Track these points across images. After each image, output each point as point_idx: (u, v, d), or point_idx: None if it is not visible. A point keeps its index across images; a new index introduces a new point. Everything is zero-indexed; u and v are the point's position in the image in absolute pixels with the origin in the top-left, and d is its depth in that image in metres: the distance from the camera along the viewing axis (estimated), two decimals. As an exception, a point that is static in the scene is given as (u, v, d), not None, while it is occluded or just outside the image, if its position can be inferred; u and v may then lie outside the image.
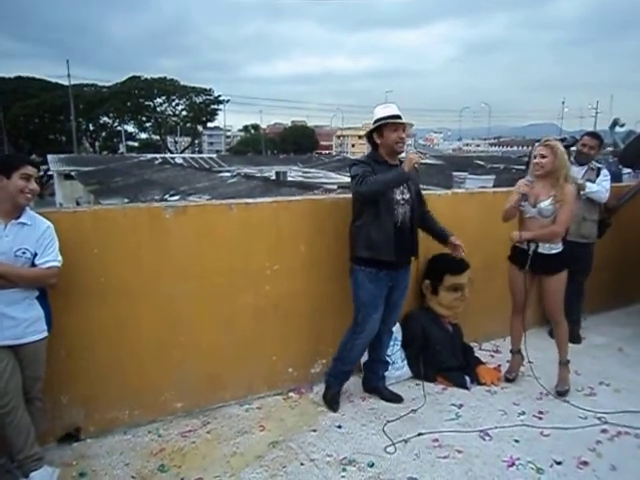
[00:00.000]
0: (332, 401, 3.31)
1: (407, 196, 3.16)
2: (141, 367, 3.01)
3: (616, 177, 5.58)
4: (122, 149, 49.22)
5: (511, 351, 3.82)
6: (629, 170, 7.21)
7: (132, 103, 47.48)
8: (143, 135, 54.66)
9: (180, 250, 3.03)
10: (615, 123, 6.19)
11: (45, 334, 2.46)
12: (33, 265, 2.36)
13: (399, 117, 3.11)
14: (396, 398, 3.42)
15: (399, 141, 3.11)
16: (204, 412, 3.19)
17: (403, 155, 3.20)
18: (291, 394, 3.46)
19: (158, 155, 29.92)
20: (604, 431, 3.10)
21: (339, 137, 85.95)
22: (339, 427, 3.10)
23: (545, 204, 3.35)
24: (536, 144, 3.53)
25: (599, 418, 3.24)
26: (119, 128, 49.53)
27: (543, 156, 3.33)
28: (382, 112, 3.13)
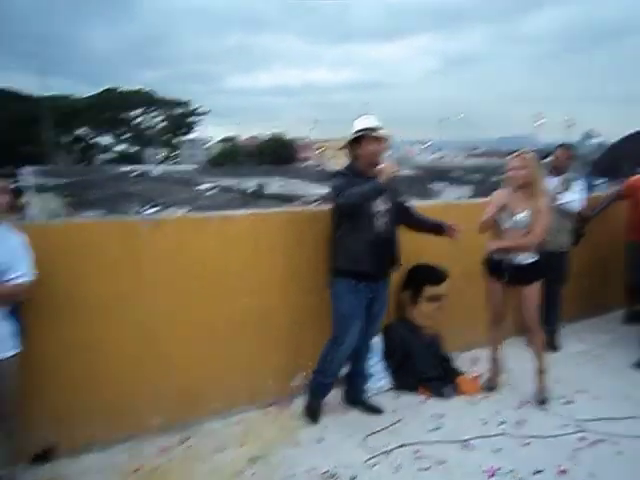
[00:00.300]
0: (313, 414, 3.29)
1: (387, 207, 3.16)
2: (117, 383, 2.94)
3: (589, 187, 5.69)
4: (98, 161, 48.61)
5: (490, 361, 3.84)
6: (602, 180, 7.37)
7: (108, 115, 47.09)
8: (120, 147, 54.13)
9: (156, 264, 2.98)
10: (588, 135, 6.35)
11: (17, 350, 2.39)
12: (5, 280, 2.30)
13: (378, 129, 3.12)
14: (377, 410, 3.40)
15: (377, 153, 3.11)
16: (182, 428, 3.12)
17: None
18: (271, 408, 3.42)
19: (135, 167, 29.61)
20: (583, 439, 3.12)
21: (318, 149, 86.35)
22: (320, 441, 3.07)
23: (521, 215, 3.39)
24: (514, 154, 3.56)
25: (578, 426, 3.26)
26: (95, 140, 48.99)
27: (519, 168, 3.38)
28: (361, 123, 3.15)
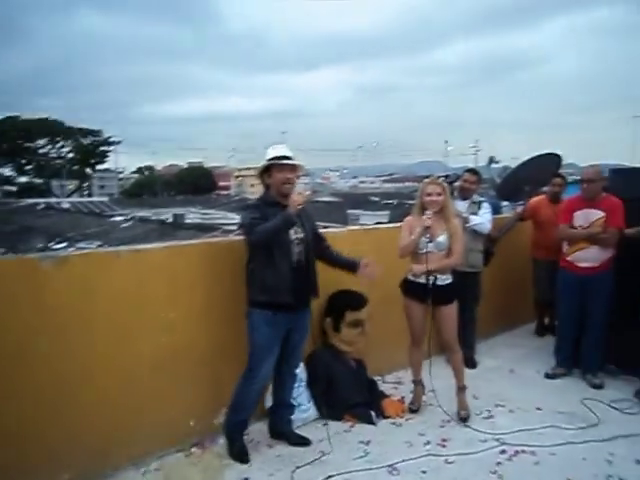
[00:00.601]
0: (240, 454, 3.14)
1: (302, 235, 3.14)
2: (18, 437, 2.65)
3: (496, 209, 6.03)
4: (-1, 194, 45.18)
5: (413, 382, 3.90)
6: (506, 203, 7.87)
7: (8, 145, 44.24)
8: (23, 179, 50.74)
9: (62, 304, 2.76)
10: (491, 160, 6.76)
11: None
12: None
13: (287, 158, 3.11)
14: (304, 442, 3.32)
15: (285, 182, 3.08)
16: (95, 482, 2.88)
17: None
18: (194, 449, 3.24)
19: (41, 200, 27.83)
20: (503, 452, 3.22)
21: (237, 177, 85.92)
22: (246, 480, 2.94)
23: (442, 238, 3.51)
24: (426, 180, 3.69)
25: (498, 439, 3.36)
26: (-6, 171, 45.68)
27: (439, 194, 3.51)
28: (271, 153, 3.14)
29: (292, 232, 3.09)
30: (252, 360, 3.13)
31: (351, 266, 3.37)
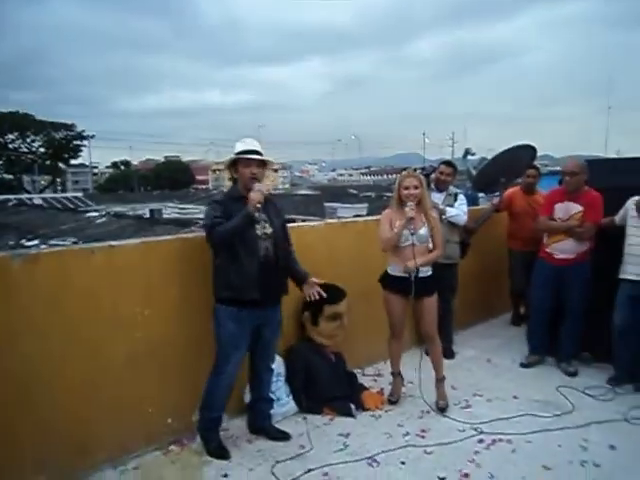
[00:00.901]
0: (218, 451, 3.11)
1: (269, 230, 3.10)
2: (-9, 439, 2.60)
3: (473, 201, 6.09)
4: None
5: (392, 374, 3.92)
6: (482, 194, 7.95)
7: (-24, 140, 43.04)
8: (-8, 174, 49.36)
9: (35, 303, 2.70)
10: (467, 152, 6.79)
11: None
12: None
13: (254, 152, 3.07)
14: (283, 436, 3.31)
15: (251, 176, 3.04)
16: (71, 482, 2.83)
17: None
18: (172, 447, 3.21)
19: (12, 196, 27.16)
20: (481, 441, 3.27)
21: (215, 171, 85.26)
22: (225, 476, 2.92)
23: (423, 230, 3.52)
24: (403, 173, 3.69)
25: (475, 429, 3.41)
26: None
27: (416, 187, 3.51)
28: (239, 146, 3.09)
29: (259, 227, 3.05)
30: (219, 357, 3.10)
31: (299, 278, 3.34)
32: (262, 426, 3.36)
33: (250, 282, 2.99)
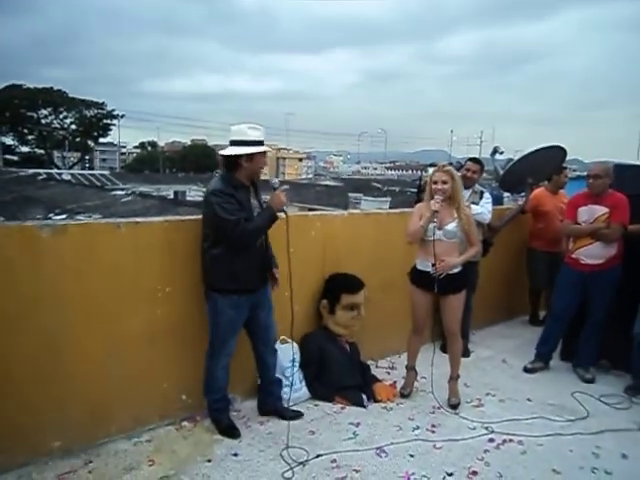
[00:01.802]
0: (229, 430, 3.16)
1: None
2: (13, 403, 2.68)
3: (498, 200, 6.03)
4: (-1, 162, 44.78)
5: (406, 367, 3.92)
6: (508, 194, 7.84)
7: (11, 113, 43.82)
8: (25, 148, 50.37)
9: (61, 273, 2.76)
10: (495, 151, 6.67)
11: None
12: None
13: (256, 142, 3.00)
14: (297, 415, 3.36)
15: (263, 167, 3.09)
16: (86, 450, 2.90)
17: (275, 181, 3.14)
18: (185, 423, 3.27)
19: (42, 170, 27.68)
20: (491, 440, 3.26)
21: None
22: (235, 455, 2.97)
23: (451, 226, 3.48)
24: (429, 169, 3.67)
25: (486, 428, 3.40)
26: (-6, 139, 45.16)
27: (445, 182, 3.46)
28: (251, 134, 2.98)
29: (255, 214, 3.02)
30: (215, 342, 3.11)
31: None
32: (274, 408, 3.40)
33: (254, 272, 3.05)
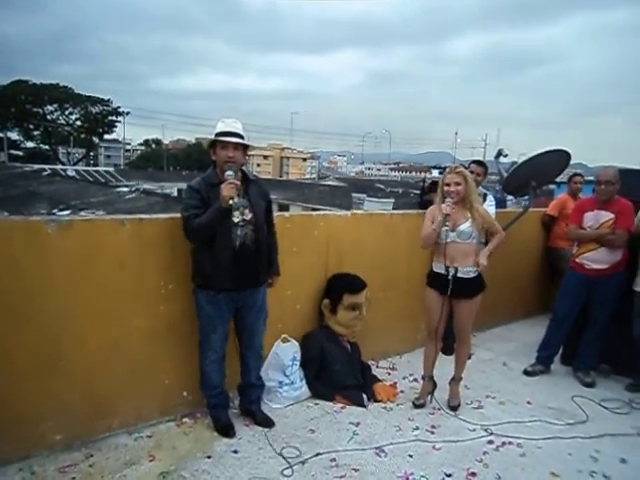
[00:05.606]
0: (225, 429, 3.16)
1: (249, 217, 2.98)
2: (15, 395, 2.70)
3: (501, 203, 6.09)
4: (3, 157, 44.89)
5: (422, 377, 3.80)
6: (511, 197, 7.85)
7: (17, 109, 43.97)
8: (30, 144, 50.55)
9: (65, 268, 2.78)
10: (499, 153, 6.66)
11: None
12: None
13: (234, 135, 2.91)
14: (267, 422, 3.28)
15: (227, 160, 2.88)
16: (87, 444, 2.93)
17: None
18: (185, 419, 3.29)
19: (47, 166, 27.76)
20: (490, 442, 3.26)
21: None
22: (235, 452, 2.98)
23: (465, 226, 3.43)
24: (433, 171, 3.67)
25: (486, 430, 3.40)
26: (0, 135, 45.29)
27: (458, 183, 3.42)
28: (219, 127, 2.94)
29: (237, 215, 2.93)
30: (201, 337, 3.12)
31: (270, 271, 3.24)
32: (249, 409, 3.35)
33: (222, 271, 2.92)
